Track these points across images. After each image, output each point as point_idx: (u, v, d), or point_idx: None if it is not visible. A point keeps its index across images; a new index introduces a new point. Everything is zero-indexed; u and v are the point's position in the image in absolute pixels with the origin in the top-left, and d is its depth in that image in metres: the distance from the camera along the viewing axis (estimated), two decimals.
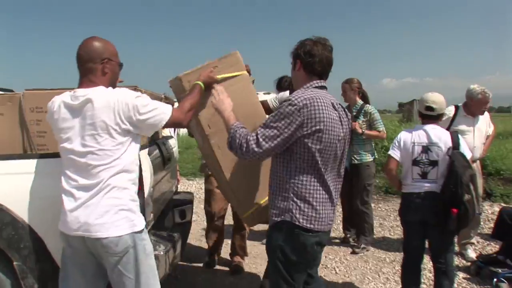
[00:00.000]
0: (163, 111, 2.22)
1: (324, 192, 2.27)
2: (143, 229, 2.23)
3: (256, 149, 2.19)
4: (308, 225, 2.22)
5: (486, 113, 4.56)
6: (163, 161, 3.19)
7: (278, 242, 2.27)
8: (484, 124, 4.55)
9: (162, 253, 2.61)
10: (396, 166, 3.42)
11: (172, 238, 2.84)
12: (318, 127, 2.17)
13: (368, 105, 4.86)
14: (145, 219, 2.46)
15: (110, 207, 2.10)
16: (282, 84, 4.26)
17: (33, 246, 2.52)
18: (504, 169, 8.23)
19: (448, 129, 3.90)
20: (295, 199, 2.23)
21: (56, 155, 2.54)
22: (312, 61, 2.32)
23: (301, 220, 2.21)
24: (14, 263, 2.52)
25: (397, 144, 3.38)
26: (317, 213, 2.23)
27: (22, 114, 2.85)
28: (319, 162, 2.21)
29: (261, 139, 2.19)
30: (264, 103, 3.98)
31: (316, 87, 2.33)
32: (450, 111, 4.48)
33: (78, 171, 2.14)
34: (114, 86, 2.31)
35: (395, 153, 3.37)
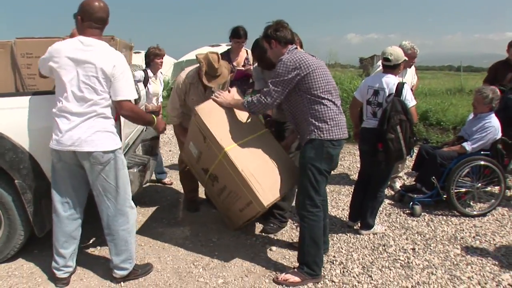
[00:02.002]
0: (123, 94, 2.80)
1: (334, 110, 3.09)
2: (121, 147, 2.91)
3: (269, 100, 3.07)
4: (329, 137, 3.04)
5: (412, 66, 5.27)
6: (134, 100, 3.80)
7: (311, 155, 3.05)
8: (411, 76, 5.27)
9: (135, 171, 3.28)
10: (356, 104, 4.18)
11: (143, 162, 3.50)
12: (308, 71, 3.00)
13: None
14: (122, 143, 3.14)
15: (98, 129, 2.76)
16: (240, 33, 4.60)
17: (31, 167, 3.09)
18: (445, 121, 9.15)
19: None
20: (315, 122, 3.04)
21: (45, 92, 3.14)
22: (282, 34, 3.13)
23: (324, 135, 3.03)
24: (16, 181, 3.10)
25: (360, 86, 4.16)
26: (333, 127, 3.06)
27: (14, 59, 3.37)
28: (321, 92, 3.04)
29: (272, 92, 3.05)
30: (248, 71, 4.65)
31: (293, 50, 3.14)
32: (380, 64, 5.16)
33: (75, 100, 2.73)
34: None
35: (356, 94, 4.16)
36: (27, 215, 3.18)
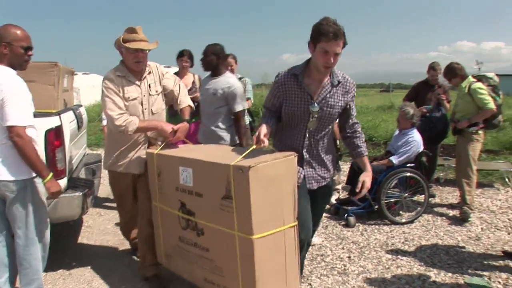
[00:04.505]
0: (9, 119, 2.59)
1: None
2: (36, 176, 2.79)
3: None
4: None
5: None
6: (78, 125, 3.87)
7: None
8: None
9: (80, 194, 3.33)
10: None
11: (88, 185, 3.55)
12: None
13: (245, 77, 5.70)
14: (66, 167, 3.20)
15: (9, 157, 2.69)
16: (183, 52, 4.85)
17: None
18: (376, 136, 9.75)
19: None
20: None
21: None
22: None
23: None
24: None
25: None
26: None
27: None
28: None
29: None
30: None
31: None
32: None
33: None
34: (15, 66, 2.75)
35: None
36: None
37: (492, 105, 4.77)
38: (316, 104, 2.70)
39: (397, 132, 5.29)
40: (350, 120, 2.89)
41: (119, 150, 3.31)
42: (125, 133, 3.14)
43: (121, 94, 3.17)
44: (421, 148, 5.00)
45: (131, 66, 3.21)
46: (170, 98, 3.53)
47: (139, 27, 3.18)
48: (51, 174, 2.76)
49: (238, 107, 3.94)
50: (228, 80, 3.98)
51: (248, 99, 5.74)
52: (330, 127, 2.88)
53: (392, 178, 4.83)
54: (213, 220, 2.70)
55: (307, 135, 2.80)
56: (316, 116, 2.72)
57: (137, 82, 3.27)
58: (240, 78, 5.63)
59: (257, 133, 2.62)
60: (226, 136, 3.98)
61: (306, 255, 3.96)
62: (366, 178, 2.88)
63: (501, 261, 3.83)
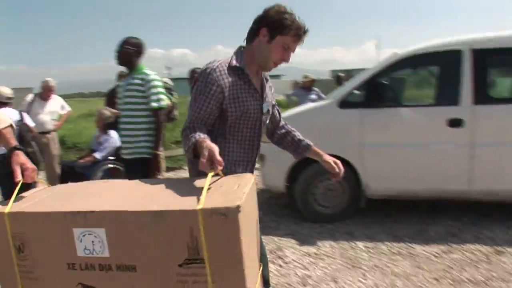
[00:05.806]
0: None
1: None
2: None
3: None
4: None
5: (59, 98, 6.48)
6: None
7: None
8: (56, 106, 6.43)
9: None
10: None
11: None
12: None
13: None
14: None
15: None
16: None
17: None
18: (81, 142, 10.43)
19: (27, 110, 5.43)
20: None
21: None
22: None
23: None
24: None
25: None
26: None
27: None
28: None
29: None
30: None
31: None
32: (30, 97, 6.19)
33: None
34: None
35: None
36: None
37: (165, 103, 6.28)
38: (264, 103, 2.13)
39: (97, 132, 6.25)
40: (281, 120, 2.42)
41: None
42: None
43: None
44: (119, 143, 6.10)
45: None
46: None
47: None
48: None
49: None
50: None
51: None
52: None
53: (98, 171, 5.78)
54: None
55: (259, 145, 2.18)
56: (267, 118, 2.19)
57: None
58: None
59: (206, 153, 1.68)
60: None
61: None
62: (332, 158, 2.30)
63: None
